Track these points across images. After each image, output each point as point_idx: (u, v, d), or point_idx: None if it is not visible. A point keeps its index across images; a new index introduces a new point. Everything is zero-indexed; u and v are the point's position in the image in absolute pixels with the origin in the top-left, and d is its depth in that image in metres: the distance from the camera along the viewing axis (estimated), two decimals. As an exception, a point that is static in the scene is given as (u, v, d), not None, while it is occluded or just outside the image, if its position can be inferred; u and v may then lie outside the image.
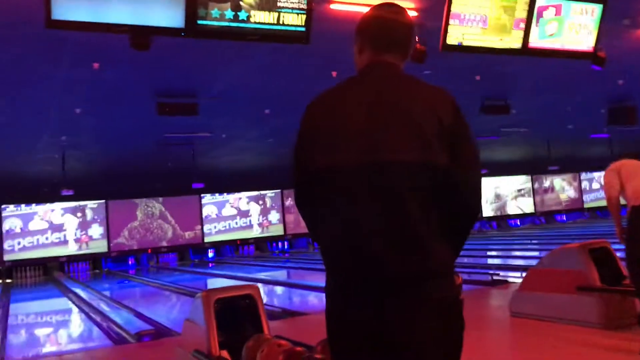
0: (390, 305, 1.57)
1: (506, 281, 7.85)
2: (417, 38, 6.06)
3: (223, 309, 3.73)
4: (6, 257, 16.73)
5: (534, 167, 22.16)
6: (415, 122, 1.60)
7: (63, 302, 11.27)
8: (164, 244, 18.67)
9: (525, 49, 5.70)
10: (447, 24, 5.19)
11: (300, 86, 8.20)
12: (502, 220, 22.89)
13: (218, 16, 4.64)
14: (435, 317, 1.58)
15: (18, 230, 16.99)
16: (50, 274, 17.10)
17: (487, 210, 22.36)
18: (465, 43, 5.32)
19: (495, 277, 8.05)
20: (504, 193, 23.05)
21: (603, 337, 4.29)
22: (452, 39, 5.28)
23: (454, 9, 5.22)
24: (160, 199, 18.69)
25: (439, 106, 1.64)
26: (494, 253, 14.38)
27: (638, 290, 4.01)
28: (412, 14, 6.24)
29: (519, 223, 23.07)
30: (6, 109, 8.97)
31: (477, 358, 4.07)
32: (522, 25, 5.59)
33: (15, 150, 12.50)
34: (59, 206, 17.42)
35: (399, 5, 1.81)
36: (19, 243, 16.95)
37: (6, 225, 16.88)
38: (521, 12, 5.56)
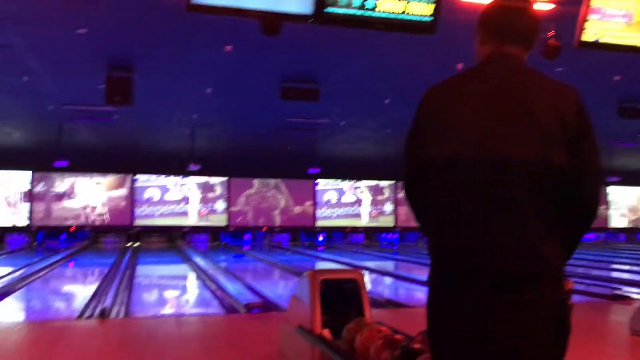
0: (495, 303, 1.54)
1: (629, 297, 7.32)
2: (551, 33, 5.78)
3: (328, 290, 3.83)
4: (136, 223, 18.19)
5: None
6: (536, 118, 1.55)
7: (183, 269, 12.06)
8: (277, 219, 19.35)
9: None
10: (584, 19, 4.90)
11: (424, 78, 8.08)
12: (632, 232, 21.24)
13: (345, 4, 4.72)
14: (541, 319, 1.54)
15: (148, 199, 18.38)
16: (173, 241, 18.36)
17: (618, 221, 20.86)
18: (603, 40, 4.99)
19: (617, 292, 7.53)
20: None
21: None
22: (589, 35, 4.98)
23: (594, 3, 4.91)
24: (278, 180, 19.36)
25: (563, 103, 1.58)
26: (619, 267, 13.41)
27: None
28: (549, 6, 5.94)
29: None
30: (144, 86, 9.69)
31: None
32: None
33: (152, 124, 13.50)
34: (185, 180, 18.61)
35: None
36: (148, 211, 18.34)
37: (138, 194, 18.32)
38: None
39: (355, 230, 20.17)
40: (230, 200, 19.03)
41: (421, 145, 1.69)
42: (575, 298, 6.73)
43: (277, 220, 19.46)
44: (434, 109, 1.70)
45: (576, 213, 1.59)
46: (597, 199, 1.61)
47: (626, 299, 7.19)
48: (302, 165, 16.69)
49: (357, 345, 2.88)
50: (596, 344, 4.72)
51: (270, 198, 19.41)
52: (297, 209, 19.58)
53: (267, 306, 6.87)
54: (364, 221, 20.12)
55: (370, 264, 12.67)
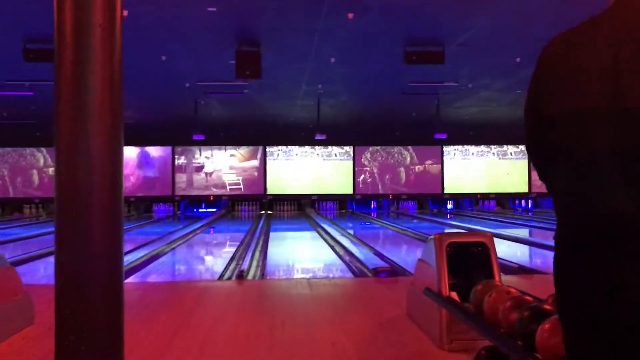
0: (625, 262, 1.47)
1: None
2: None
3: (455, 253, 3.80)
4: (269, 192, 19.04)
5: None
6: None
7: (313, 235, 12.48)
8: (405, 190, 19.28)
9: None
10: None
11: (557, 32, 7.63)
12: None
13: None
14: None
15: (278, 169, 19.13)
16: (303, 209, 19.02)
17: None
18: None
19: None
20: None
21: None
22: None
23: None
24: (404, 147, 19.21)
25: None
26: None
27: None
28: None
29: None
30: (272, 60, 10.01)
31: None
32: None
33: (279, 97, 13.95)
34: (313, 149, 19.09)
35: None
36: (278, 181, 19.11)
37: (269, 165, 19.12)
38: None
39: (486, 196, 19.57)
40: (355, 169, 19.26)
41: (542, 99, 1.63)
42: None
43: (404, 188, 19.39)
44: (555, 60, 1.62)
45: None
46: None
47: None
48: (428, 130, 16.41)
49: (485, 307, 2.85)
50: None
51: (397, 165, 19.37)
52: (425, 176, 19.36)
53: (395, 271, 6.95)
54: (494, 187, 19.44)
55: (503, 231, 12.28)
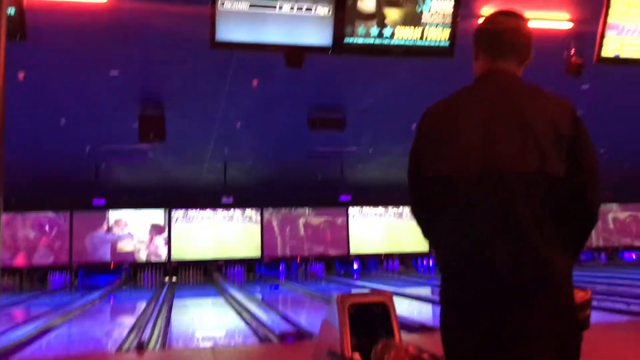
0: (504, 313, 1.59)
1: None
2: (572, 51, 5.81)
3: (357, 313, 3.87)
4: (173, 258, 18.45)
5: None
6: (533, 132, 1.61)
7: (219, 301, 12.17)
8: (312, 252, 19.37)
9: (697, 59, 5.21)
10: (602, 35, 4.92)
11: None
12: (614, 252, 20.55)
13: (364, 33, 4.86)
14: (551, 327, 1.57)
15: (183, 233, 18.66)
16: (210, 275, 18.53)
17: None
18: (623, 55, 5.00)
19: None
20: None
21: None
22: (608, 51, 4.99)
23: (612, 19, 4.93)
24: (309, 209, 19.43)
25: (558, 116, 1.64)
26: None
27: None
28: (568, 25, 5.99)
29: (634, 257, 20.58)
30: (177, 122, 9.97)
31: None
32: (693, 33, 5.12)
33: (185, 158, 13.81)
34: (220, 213, 18.85)
35: (515, 11, 1.79)
36: (184, 245, 18.60)
37: (175, 229, 18.62)
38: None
39: (390, 256, 20.02)
40: (263, 232, 19.17)
41: (423, 163, 1.77)
42: (615, 317, 6.58)
43: (312, 250, 19.49)
44: (433, 127, 1.78)
45: (578, 219, 1.64)
46: (598, 205, 1.66)
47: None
48: (333, 193, 16.77)
49: (385, 366, 2.92)
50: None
51: (304, 227, 19.49)
52: (330, 238, 19.59)
53: (301, 334, 6.90)
54: (399, 247, 19.96)
55: (406, 290, 12.57)
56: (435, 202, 1.74)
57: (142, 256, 18.38)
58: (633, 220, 20.87)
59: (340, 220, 19.62)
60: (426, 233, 1.87)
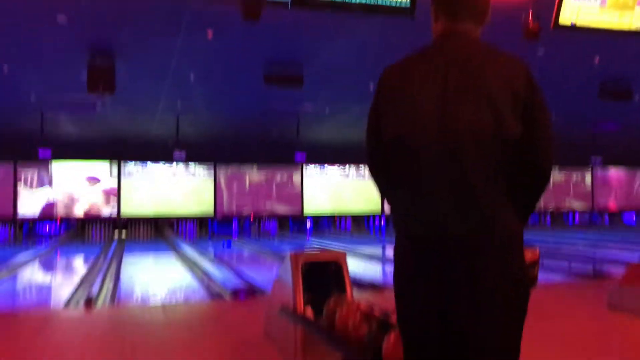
0: (455, 270, 1.61)
1: (609, 275, 7.47)
2: (530, 16, 5.82)
3: (310, 271, 3.88)
4: (123, 213, 18.12)
5: None
6: (489, 94, 1.61)
7: (170, 258, 12.08)
8: (266, 210, 19.37)
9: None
10: (560, 1, 4.94)
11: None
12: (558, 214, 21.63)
13: (324, -12, 4.73)
14: (498, 284, 1.59)
15: (134, 188, 18.30)
16: (161, 231, 18.33)
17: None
18: (579, 23, 5.04)
19: (597, 270, 7.68)
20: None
21: None
22: (565, 18, 5.03)
23: (571, -16, 4.95)
24: (263, 167, 19.33)
25: (514, 76, 1.64)
26: (601, 246, 13.58)
27: None
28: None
29: (577, 219, 21.87)
30: (127, 74, 9.63)
31: (564, 346, 3.96)
32: (648, 2, 5.20)
33: (136, 111, 13.43)
34: (171, 168, 18.53)
35: None
36: (135, 200, 18.27)
37: (125, 183, 18.23)
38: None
39: (343, 216, 20.24)
40: (216, 189, 19.01)
41: (381, 123, 1.75)
42: (556, 277, 6.83)
43: (264, 208, 19.48)
44: (391, 88, 1.76)
45: (531, 180, 1.66)
46: (550, 166, 1.67)
47: (606, 277, 7.35)
48: (288, 151, 16.70)
49: (337, 322, 2.94)
50: (571, 320, 4.83)
51: (258, 185, 19.42)
52: (284, 196, 19.60)
53: (253, 291, 6.94)
54: (352, 207, 20.18)
55: (358, 249, 12.76)
56: (391, 163, 1.74)
57: (91, 211, 17.99)
58: (571, 183, 21.90)
59: (294, 179, 19.62)
60: (382, 192, 1.87)
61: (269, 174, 19.42)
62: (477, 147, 1.59)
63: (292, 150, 16.49)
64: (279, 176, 19.50)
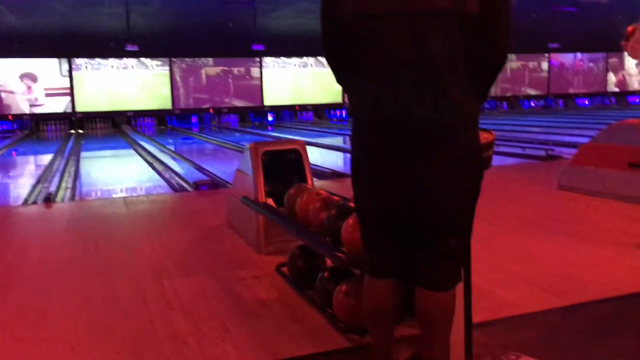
0: (414, 155, 1.61)
1: (561, 157, 7.74)
2: None
3: (270, 161, 3.89)
4: (78, 109, 17.60)
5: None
6: None
7: (129, 153, 11.94)
8: (226, 103, 19.08)
9: None
10: None
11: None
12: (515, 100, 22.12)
13: None
14: (453, 163, 1.62)
15: (86, 83, 17.66)
16: (118, 127, 17.97)
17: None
18: None
19: (550, 153, 7.93)
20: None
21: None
22: None
23: None
24: (221, 60, 18.78)
25: None
26: (554, 130, 13.95)
27: None
28: None
29: (533, 104, 22.39)
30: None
31: (517, 225, 4.16)
32: None
33: (82, 2, 12.65)
34: (124, 61, 17.83)
35: None
36: (89, 96, 17.70)
37: (77, 79, 17.54)
38: None
39: (304, 108, 20.10)
40: (173, 82, 18.49)
41: (337, 2, 1.67)
42: (511, 161, 7.02)
43: (224, 101, 19.15)
44: None
45: (488, 59, 1.64)
46: (507, 44, 1.65)
47: (557, 159, 7.62)
48: (246, 42, 16.17)
49: (297, 209, 2.99)
50: (524, 201, 5.05)
51: (217, 78, 18.96)
52: (243, 89, 19.24)
53: (216, 183, 6.97)
54: (312, 99, 20.01)
55: (319, 139, 12.82)
56: (347, 42, 1.68)
57: (43, 108, 17.42)
58: (527, 69, 22.15)
59: (253, 71, 19.19)
60: (338, 76, 1.82)
61: (226, 66, 18.91)
62: (437, 23, 1.55)
63: (249, 42, 15.98)
64: (237, 69, 19.03)
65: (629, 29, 3.77)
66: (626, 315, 2.53)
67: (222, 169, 8.66)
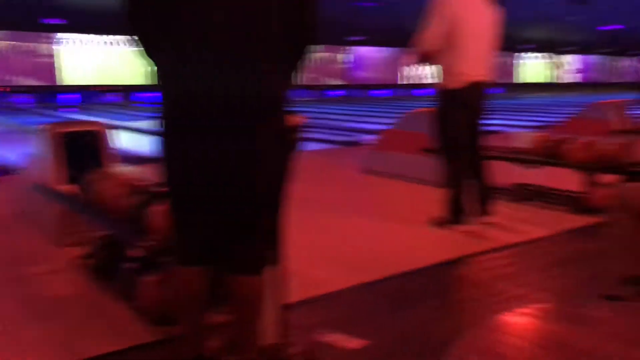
0: (229, 137, 1.57)
1: (362, 143, 8.24)
2: None
3: (70, 145, 3.57)
4: None
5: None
6: None
7: None
8: (16, 81, 17.20)
9: None
10: None
11: None
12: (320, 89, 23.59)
13: None
14: (261, 143, 1.61)
15: None
16: None
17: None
18: None
19: (354, 139, 8.44)
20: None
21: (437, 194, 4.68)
22: None
23: None
24: (9, 32, 16.84)
25: None
26: (359, 118, 14.85)
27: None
28: None
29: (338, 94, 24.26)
30: None
31: (326, 207, 4.34)
32: None
33: None
34: None
35: None
36: None
37: None
38: None
39: (111, 89, 18.86)
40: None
41: None
42: (316, 146, 7.27)
43: (15, 80, 17.21)
44: None
45: (297, 39, 1.66)
46: (316, 23, 1.69)
47: (358, 144, 8.15)
48: (35, 15, 14.61)
49: (98, 196, 2.77)
50: (328, 185, 5.29)
51: (4, 55, 16.95)
52: (38, 67, 17.47)
53: (6, 170, 6.26)
54: (118, 79, 18.88)
55: (126, 123, 12.15)
56: (155, 13, 1.56)
57: None
58: (333, 61, 23.50)
59: (48, 48, 17.50)
60: (146, 51, 1.67)
61: (14, 41, 16.98)
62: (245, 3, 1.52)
63: (39, 15, 14.47)
64: (26, 45, 17.18)
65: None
66: (424, 286, 2.77)
67: (15, 153, 7.79)
